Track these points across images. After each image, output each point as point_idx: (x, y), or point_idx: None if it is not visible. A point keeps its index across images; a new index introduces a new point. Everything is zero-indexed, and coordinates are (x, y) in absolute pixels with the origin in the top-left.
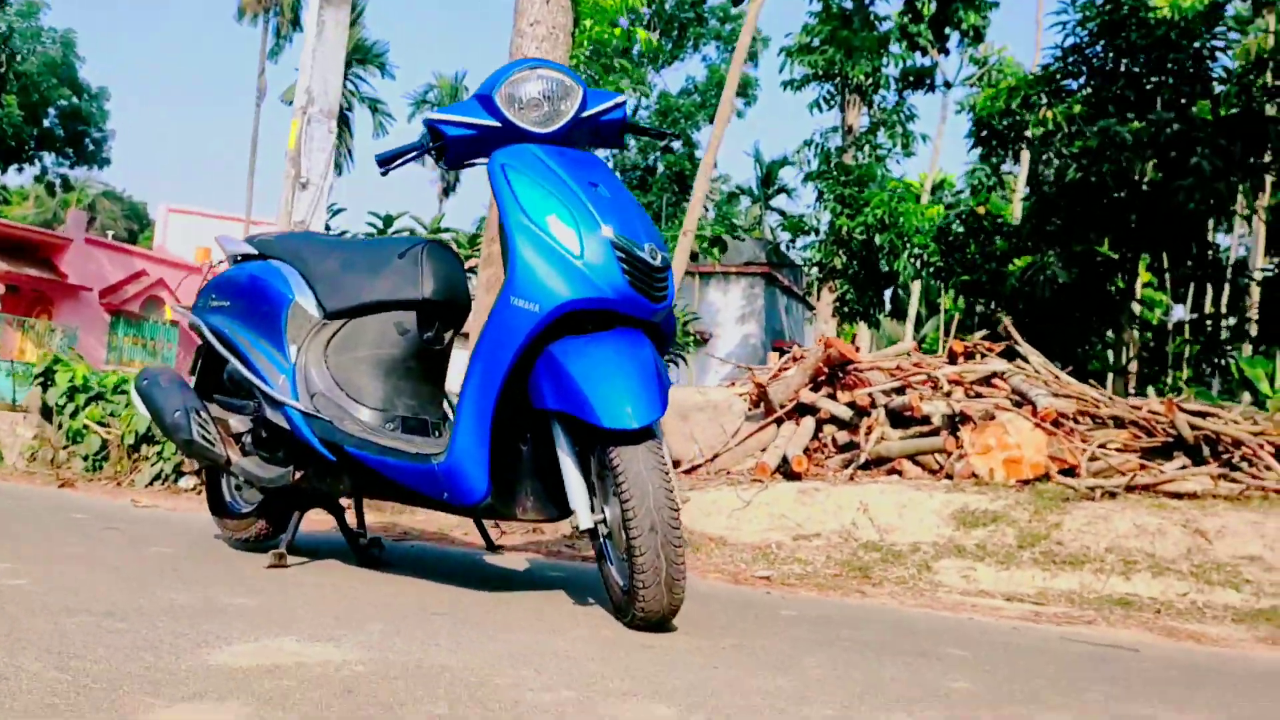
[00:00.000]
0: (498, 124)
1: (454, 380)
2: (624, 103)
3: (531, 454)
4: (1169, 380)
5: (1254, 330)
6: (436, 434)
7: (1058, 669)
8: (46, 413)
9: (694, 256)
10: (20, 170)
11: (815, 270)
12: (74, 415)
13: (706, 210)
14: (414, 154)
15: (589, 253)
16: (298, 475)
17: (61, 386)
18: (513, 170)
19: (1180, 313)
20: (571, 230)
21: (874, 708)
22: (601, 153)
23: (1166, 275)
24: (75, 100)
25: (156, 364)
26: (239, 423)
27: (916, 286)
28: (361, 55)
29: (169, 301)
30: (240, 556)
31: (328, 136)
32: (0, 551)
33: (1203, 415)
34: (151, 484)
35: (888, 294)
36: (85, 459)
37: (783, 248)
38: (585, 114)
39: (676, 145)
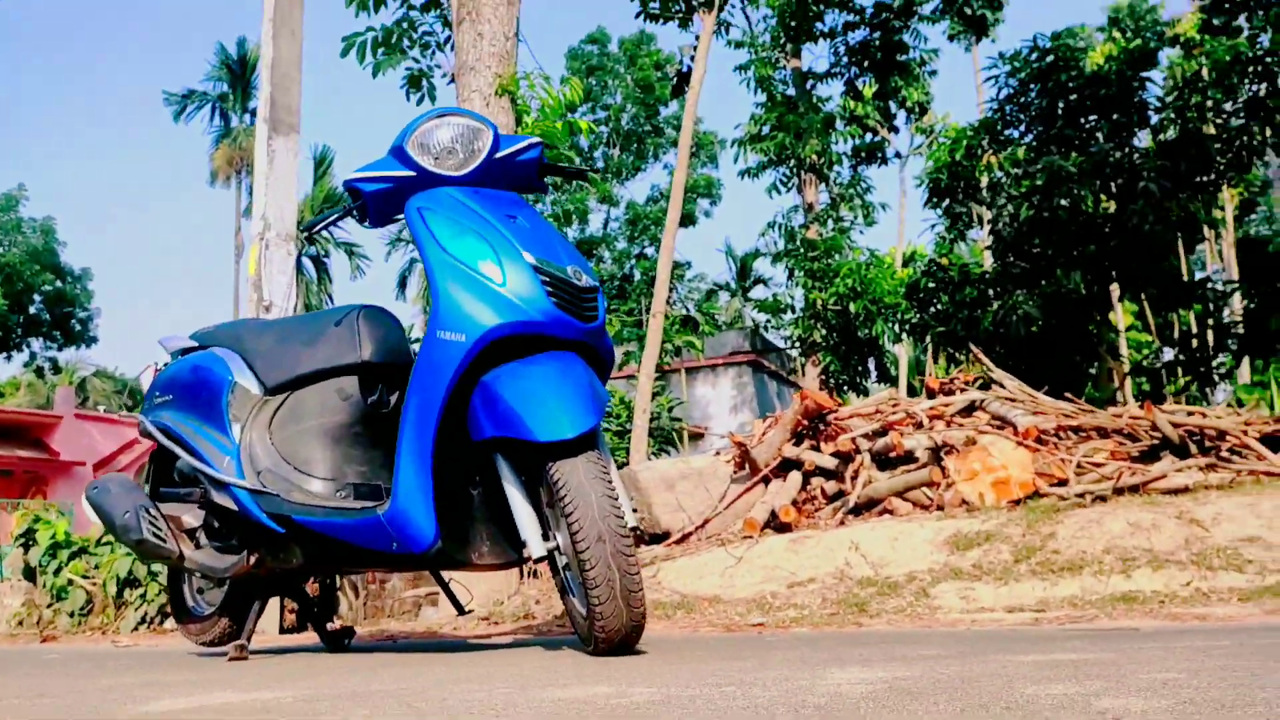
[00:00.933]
0: (413, 174)
1: None
2: (539, 144)
3: (483, 498)
4: None
5: (1235, 346)
6: (388, 499)
7: (1044, 642)
8: (29, 574)
9: (677, 351)
10: (9, 359)
11: (796, 346)
12: (57, 572)
13: (685, 308)
14: (337, 216)
15: (512, 279)
16: (252, 560)
17: (43, 545)
18: (429, 211)
19: (1170, 355)
20: (491, 260)
21: (827, 667)
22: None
23: (1150, 317)
24: (59, 284)
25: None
26: (191, 517)
27: (904, 358)
28: (333, 203)
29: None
30: (202, 656)
31: (287, 259)
32: None
33: (1185, 414)
34: (137, 628)
35: (871, 361)
36: (71, 615)
37: (763, 331)
38: (499, 154)
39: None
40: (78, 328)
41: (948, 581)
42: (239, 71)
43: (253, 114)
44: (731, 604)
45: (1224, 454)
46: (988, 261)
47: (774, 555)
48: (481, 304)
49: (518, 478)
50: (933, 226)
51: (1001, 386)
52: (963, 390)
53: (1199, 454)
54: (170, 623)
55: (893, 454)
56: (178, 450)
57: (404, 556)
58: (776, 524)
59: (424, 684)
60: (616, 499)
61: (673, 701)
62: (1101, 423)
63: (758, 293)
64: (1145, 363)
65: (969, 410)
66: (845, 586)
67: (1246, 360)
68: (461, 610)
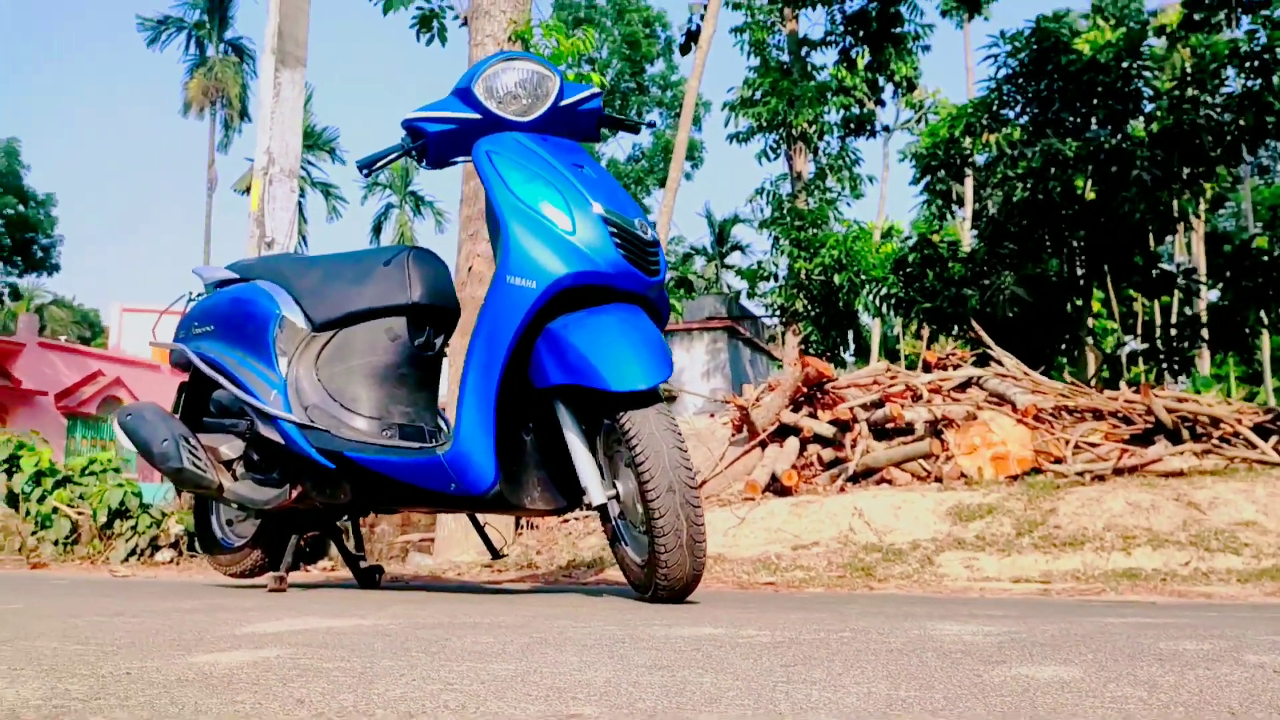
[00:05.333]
0: (478, 116)
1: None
2: (600, 93)
3: (535, 443)
4: None
5: (1207, 337)
6: (433, 441)
7: (1060, 609)
8: (12, 500)
9: None
10: None
11: (778, 315)
12: (41, 500)
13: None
14: (395, 155)
15: (582, 229)
16: (294, 493)
17: (27, 472)
18: (498, 155)
19: (1132, 343)
20: (561, 209)
21: (918, 620)
22: None
23: (1115, 305)
24: (22, 208)
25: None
26: (229, 449)
27: (877, 332)
28: (312, 141)
29: (148, 338)
30: (237, 586)
31: (290, 195)
32: None
33: (1179, 401)
34: (127, 559)
35: (850, 334)
36: (56, 543)
37: (742, 299)
38: (563, 103)
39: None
40: (39, 254)
41: (951, 551)
42: (217, 1)
43: (229, 45)
44: (737, 563)
45: (1215, 441)
46: (965, 240)
47: (777, 518)
48: (551, 252)
49: (578, 425)
50: (926, 203)
51: (1000, 364)
52: (956, 366)
53: (1190, 439)
54: (161, 554)
55: (890, 425)
56: (221, 381)
57: (462, 497)
58: (777, 487)
59: (519, 617)
60: (686, 451)
61: (801, 642)
62: (1097, 404)
63: (734, 259)
64: (1107, 348)
65: (964, 386)
66: (850, 551)
67: (1206, 353)
68: (496, 554)
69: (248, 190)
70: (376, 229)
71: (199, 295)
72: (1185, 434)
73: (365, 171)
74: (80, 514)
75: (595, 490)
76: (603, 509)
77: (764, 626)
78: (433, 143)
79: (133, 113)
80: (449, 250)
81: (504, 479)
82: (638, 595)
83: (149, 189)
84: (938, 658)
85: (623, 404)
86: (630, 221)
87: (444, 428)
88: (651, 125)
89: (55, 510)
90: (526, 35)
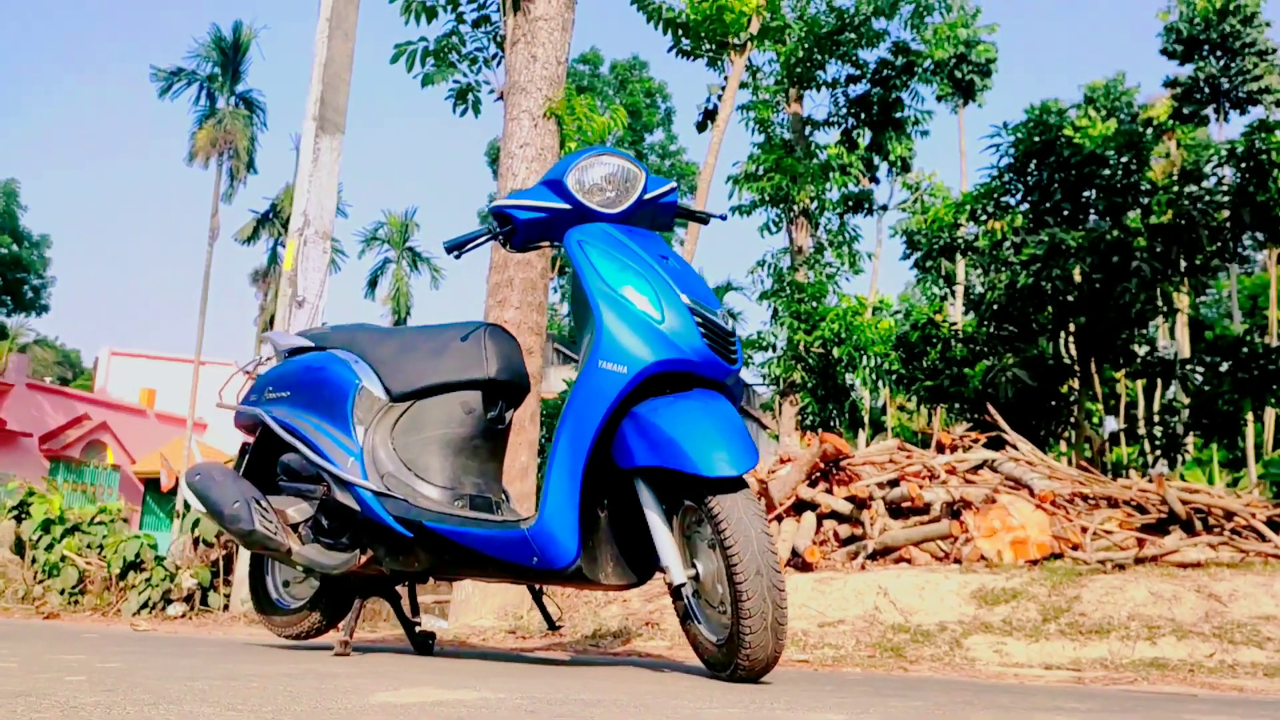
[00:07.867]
0: (568, 206)
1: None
2: (676, 188)
3: (610, 520)
4: None
5: (1206, 423)
6: (499, 511)
7: (1118, 700)
8: (19, 547)
9: None
10: None
11: (775, 385)
12: (49, 548)
13: None
14: (483, 239)
15: (669, 318)
16: (363, 559)
17: (37, 519)
18: (589, 245)
19: (1112, 424)
20: (650, 298)
21: (1027, 712)
22: None
23: (1097, 384)
24: (16, 249)
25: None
26: (297, 512)
27: (867, 403)
28: None
29: (216, 400)
30: (300, 648)
31: (322, 256)
32: (65, 650)
33: (1191, 492)
34: (139, 612)
35: (847, 405)
36: (62, 592)
37: None
38: (647, 196)
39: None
40: (30, 295)
41: (979, 634)
42: (231, 56)
43: (240, 98)
44: None
45: (1228, 533)
46: (956, 318)
47: (800, 593)
48: (641, 339)
49: (659, 505)
50: (919, 281)
51: (1014, 448)
52: (969, 448)
53: (1203, 531)
54: (173, 609)
55: (906, 504)
56: (296, 445)
57: (543, 571)
58: (798, 563)
59: (628, 695)
60: (772, 536)
61: None
62: (1111, 493)
63: None
64: (1093, 430)
65: (977, 468)
66: (878, 630)
67: (1190, 437)
68: (554, 626)
69: (249, 240)
70: (372, 283)
71: (268, 360)
72: (1199, 525)
73: (455, 254)
74: (89, 563)
75: (676, 569)
76: (678, 588)
77: (883, 715)
78: (521, 229)
79: (135, 159)
80: (445, 309)
81: (583, 554)
82: (710, 673)
83: (147, 235)
84: None
85: (710, 488)
86: (713, 312)
87: (506, 498)
88: (723, 218)
89: (64, 559)
90: (561, 113)
